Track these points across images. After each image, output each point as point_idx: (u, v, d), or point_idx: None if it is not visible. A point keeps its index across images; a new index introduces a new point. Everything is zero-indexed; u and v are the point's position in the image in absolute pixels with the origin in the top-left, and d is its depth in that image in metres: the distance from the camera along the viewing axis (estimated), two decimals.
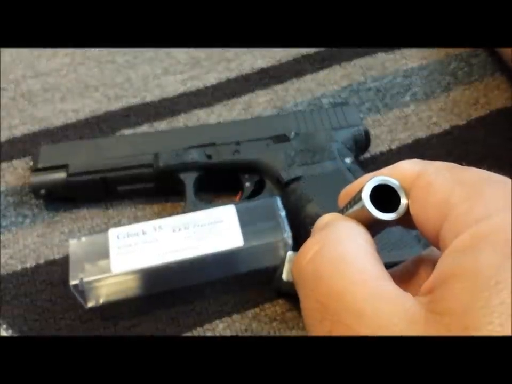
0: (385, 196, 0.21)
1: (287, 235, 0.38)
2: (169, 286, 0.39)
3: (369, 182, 0.21)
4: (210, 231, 0.38)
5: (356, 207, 0.22)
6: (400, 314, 0.18)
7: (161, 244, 0.37)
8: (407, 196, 0.21)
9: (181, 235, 0.38)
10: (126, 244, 0.38)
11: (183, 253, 0.37)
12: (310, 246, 0.22)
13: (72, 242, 0.38)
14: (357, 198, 0.22)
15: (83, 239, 0.38)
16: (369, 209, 0.21)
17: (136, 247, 0.37)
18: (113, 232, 0.38)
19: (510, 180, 0.20)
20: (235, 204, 0.40)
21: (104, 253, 0.37)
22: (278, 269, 0.37)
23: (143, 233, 0.38)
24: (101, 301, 0.39)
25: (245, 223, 0.38)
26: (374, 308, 0.18)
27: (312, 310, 0.21)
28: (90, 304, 0.38)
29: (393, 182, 0.21)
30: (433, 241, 0.20)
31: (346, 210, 0.23)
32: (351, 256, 0.20)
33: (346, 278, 0.19)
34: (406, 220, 0.21)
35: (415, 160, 0.22)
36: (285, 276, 0.36)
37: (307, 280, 0.21)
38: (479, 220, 0.18)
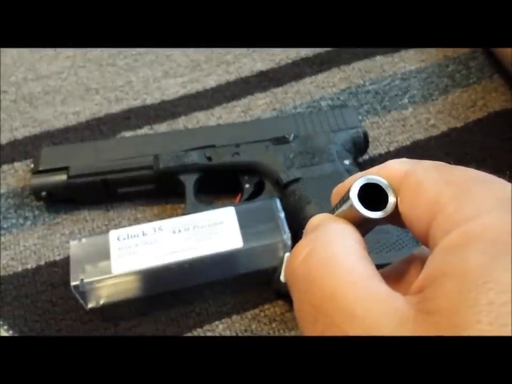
0: (374, 195, 0.22)
1: (287, 236, 0.38)
2: (169, 287, 0.40)
3: (358, 181, 0.21)
4: (210, 232, 0.38)
5: (345, 207, 0.22)
6: (390, 314, 0.18)
7: (161, 245, 0.38)
8: (396, 194, 0.21)
9: (181, 236, 0.38)
10: (126, 245, 0.38)
11: (183, 254, 0.37)
12: (301, 247, 0.22)
13: (73, 243, 0.39)
14: (346, 197, 0.22)
15: (83, 240, 0.39)
16: (357, 208, 0.21)
17: (136, 249, 0.38)
18: (113, 234, 0.39)
19: (497, 178, 0.20)
20: (234, 206, 0.40)
21: (104, 254, 0.38)
22: (277, 270, 0.38)
23: (143, 234, 0.38)
24: (102, 302, 0.39)
25: (245, 224, 0.39)
26: (364, 309, 0.19)
27: (305, 312, 0.21)
28: (90, 305, 0.39)
29: (381, 181, 0.21)
30: (423, 240, 0.21)
31: (336, 210, 0.23)
32: (341, 257, 0.20)
33: (336, 279, 0.20)
34: (396, 218, 0.21)
35: (404, 159, 0.23)
36: (282, 278, 0.36)
37: (299, 281, 0.21)
38: (467, 220, 0.18)
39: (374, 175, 0.22)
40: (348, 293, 0.19)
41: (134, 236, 0.38)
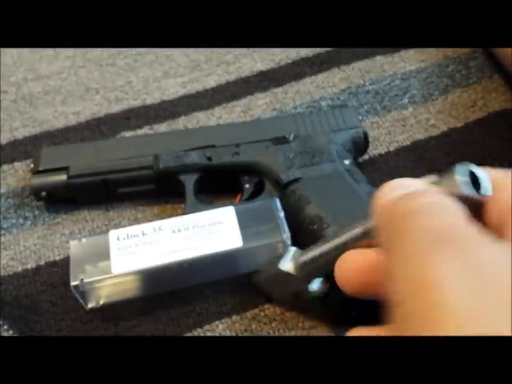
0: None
1: (286, 236, 0.38)
2: (169, 287, 0.40)
3: (461, 166, 0.23)
4: (210, 232, 0.38)
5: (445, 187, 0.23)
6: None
7: (161, 245, 0.38)
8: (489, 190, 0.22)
9: (181, 236, 0.38)
10: (126, 245, 0.38)
11: (183, 254, 0.37)
12: (412, 194, 0.22)
13: (73, 243, 0.39)
14: (447, 178, 0.23)
15: (83, 240, 0.39)
16: (464, 188, 0.22)
17: (136, 248, 0.38)
18: (113, 234, 0.39)
19: None
20: (234, 206, 0.40)
21: (104, 254, 0.38)
22: (260, 271, 0.37)
23: (143, 234, 0.38)
24: (102, 301, 0.39)
25: (244, 224, 0.39)
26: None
27: (401, 254, 0.20)
28: (90, 305, 0.39)
29: (481, 172, 0.23)
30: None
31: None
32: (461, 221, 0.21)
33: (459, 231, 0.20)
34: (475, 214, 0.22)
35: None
36: (292, 269, 0.35)
37: (406, 226, 0.21)
38: None
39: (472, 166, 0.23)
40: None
41: (134, 235, 0.38)
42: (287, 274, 0.34)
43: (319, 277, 0.35)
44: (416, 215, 0.21)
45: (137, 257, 0.37)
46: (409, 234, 0.20)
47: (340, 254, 0.29)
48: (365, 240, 0.28)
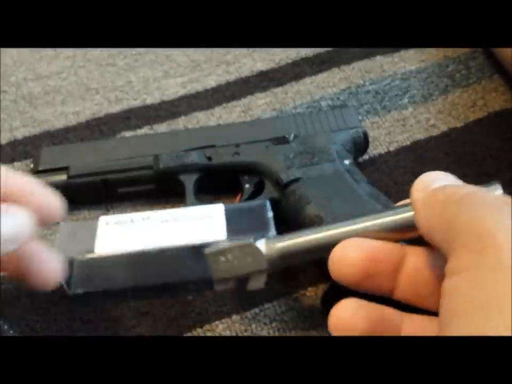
0: None
1: (271, 234, 0.38)
2: (154, 279, 0.40)
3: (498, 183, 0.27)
4: (197, 225, 0.38)
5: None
6: None
7: (148, 232, 0.38)
8: None
9: (168, 226, 0.38)
10: (113, 230, 0.38)
11: (168, 242, 0.37)
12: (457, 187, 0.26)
13: (63, 224, 0.39)
14: (487, 188, 0.27)
15: (74, 223, 0.39)
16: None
17: (122, 234, 0.38)
18: (103, 219, 0.39)
19: None
20: (224, 204, 0.40)
21: (91, 237, 0.37)
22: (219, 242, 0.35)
23: (132, 221, 0.38)
24: (85, 287, 0.39)
25: (232, 221, 0.39)
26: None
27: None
28: (73, 289, 0.39)
29: None
30: None
31: None
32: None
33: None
34: None
35: None
36: (264, 249, 0.33)
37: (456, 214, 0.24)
38: None
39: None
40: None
41: (122, 222, 0.38)
42: (254, 252, 0.33)
43: (289, 264, 0.34)
44: (476, 193, 0.25)
45: (122, 241, 0.37)
46: (476, 204, 0.24)
47: (328, 246, 0.29)
48: (379, 232, 0.29)
